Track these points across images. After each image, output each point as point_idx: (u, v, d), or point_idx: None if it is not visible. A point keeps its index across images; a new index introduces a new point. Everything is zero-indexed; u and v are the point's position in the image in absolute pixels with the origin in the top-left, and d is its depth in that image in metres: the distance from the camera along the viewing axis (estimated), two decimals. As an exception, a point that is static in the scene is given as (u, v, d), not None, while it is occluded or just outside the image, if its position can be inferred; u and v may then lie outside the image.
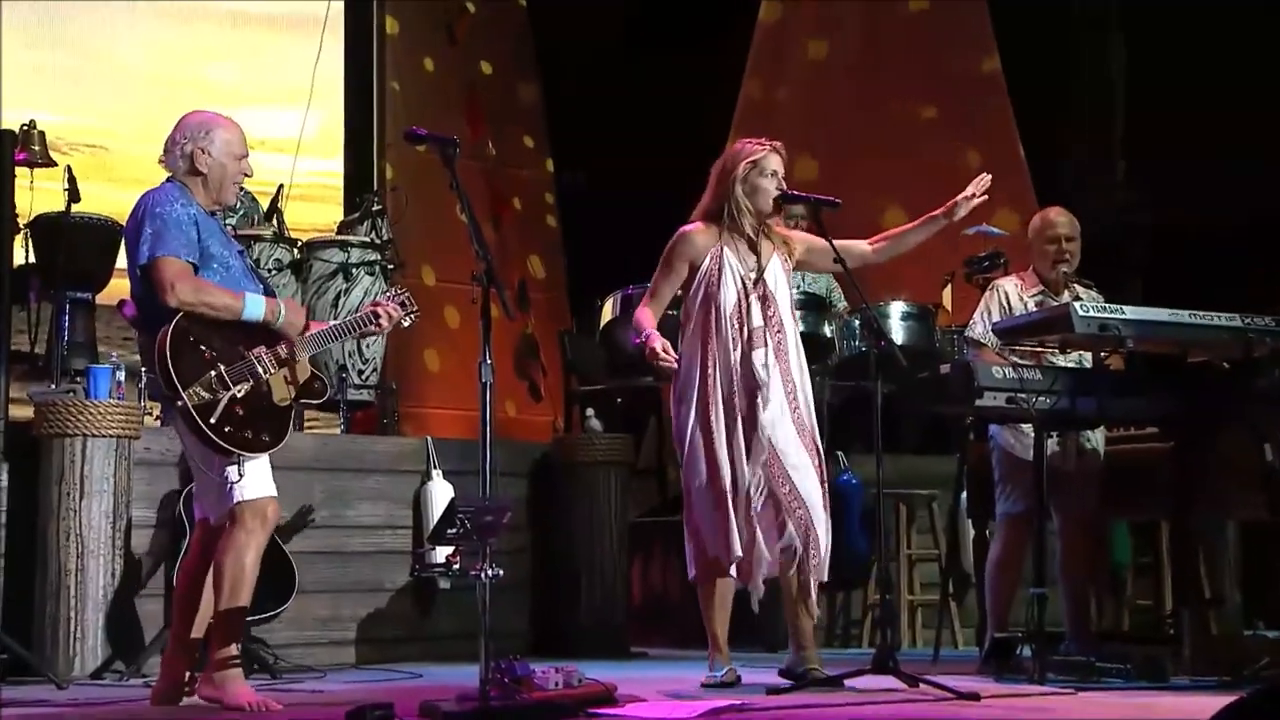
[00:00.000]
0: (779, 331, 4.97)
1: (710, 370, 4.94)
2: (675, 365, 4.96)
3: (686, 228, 5.11)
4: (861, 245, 5.21)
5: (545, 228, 10.19)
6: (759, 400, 4.90)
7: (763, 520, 4.92)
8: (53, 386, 6.28)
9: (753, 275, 4.99)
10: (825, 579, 4.97)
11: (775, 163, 5.04)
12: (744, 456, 4.90)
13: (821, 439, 5.07)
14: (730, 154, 5.08)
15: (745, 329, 4.94)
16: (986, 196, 5.17)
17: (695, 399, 4.95)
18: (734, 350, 4.93)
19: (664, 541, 7.28)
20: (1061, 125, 10.13)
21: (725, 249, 5.00)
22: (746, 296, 4.96)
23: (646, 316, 5.04)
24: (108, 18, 8.82)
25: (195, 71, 9.18)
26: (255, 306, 4.54)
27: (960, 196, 5.13)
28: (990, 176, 5.19)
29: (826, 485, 4.98)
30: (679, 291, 5.13)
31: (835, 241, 5.04)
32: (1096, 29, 10.21)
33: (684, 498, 5.06)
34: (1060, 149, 9.96)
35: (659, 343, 4.92)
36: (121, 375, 5.82)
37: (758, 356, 4.92)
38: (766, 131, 5.35)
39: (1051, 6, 10.04)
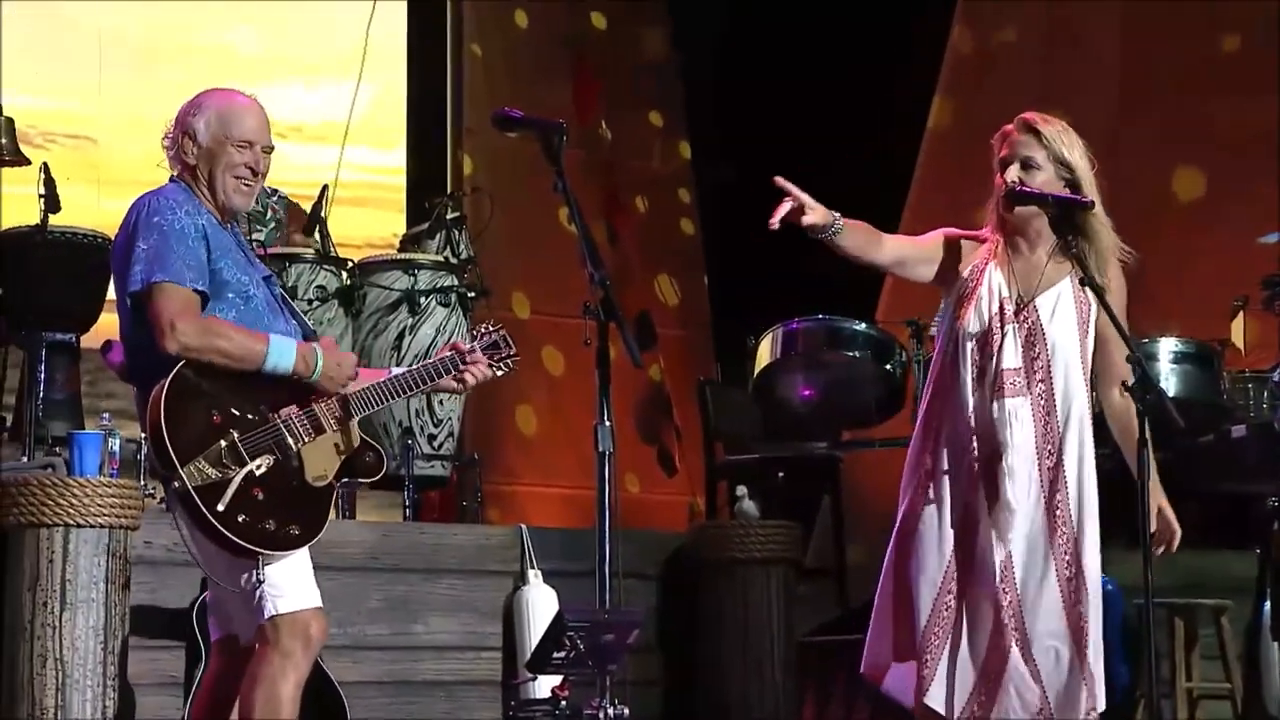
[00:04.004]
0: (1044, 382, 4.91)
1: (936, 415, 4.95)
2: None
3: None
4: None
5: (680, 237, 10.24)
6: (1003, 466, 4.85)
7: (968, 634, 4.87)
8: (24, 459, 6.34)
9: (1017, 299, 4.96)
10: None
11: (1011, 148, 4.97)
12: (975, 534, 4.86)
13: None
14: None
15: (994, 366, 4.91)
16: None
17: (916, 449, 4.97)
18: (971, 393, 4.92)
19: (847, 666, 7.24)
20: None
21: (993, 264, 4.99)
22: (1002, 325, 4.92)
23: None
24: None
25: (211, 38, 9.33)
26: (283, 353, 4.52)
27: None
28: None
29: (1080, 609, 4.86)
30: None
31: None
32: None
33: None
34: None
35: None
36: (115, 444, 5.87)
37: (1002, 407, 4.87)
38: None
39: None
